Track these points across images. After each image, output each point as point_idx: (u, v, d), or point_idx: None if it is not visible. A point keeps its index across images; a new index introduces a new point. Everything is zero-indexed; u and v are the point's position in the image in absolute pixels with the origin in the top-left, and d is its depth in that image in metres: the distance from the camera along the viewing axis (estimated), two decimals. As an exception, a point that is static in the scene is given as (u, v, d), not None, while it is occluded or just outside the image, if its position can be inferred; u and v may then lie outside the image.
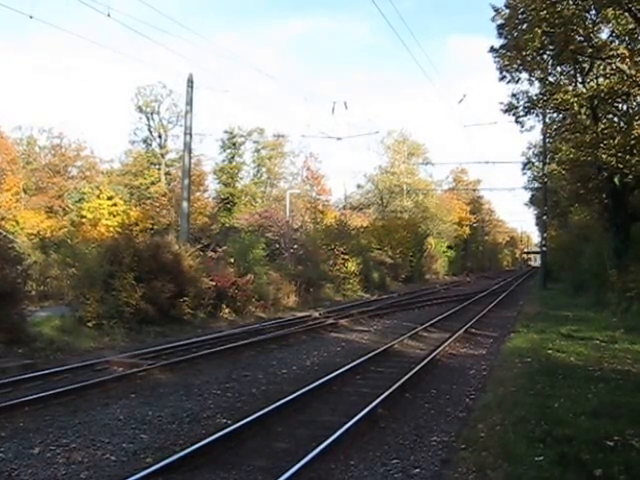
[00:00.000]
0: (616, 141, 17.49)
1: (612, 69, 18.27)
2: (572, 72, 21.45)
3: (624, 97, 19.31)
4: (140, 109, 45.04)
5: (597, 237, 25.46)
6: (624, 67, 16.84)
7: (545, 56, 19.83)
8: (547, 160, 31.43)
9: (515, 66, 20.08)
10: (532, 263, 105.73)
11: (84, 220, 31.89)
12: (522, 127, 22.15)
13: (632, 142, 17.09)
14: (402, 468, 5.63)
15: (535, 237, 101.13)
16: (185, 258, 17.09)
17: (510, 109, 21.29)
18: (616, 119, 21.64)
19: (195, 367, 10.51)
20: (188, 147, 21.15)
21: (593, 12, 18.27)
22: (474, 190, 69.42)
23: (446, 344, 12.97)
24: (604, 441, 5.57)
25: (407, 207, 54.89)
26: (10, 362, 10.11)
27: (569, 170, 23.27)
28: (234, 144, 49.41)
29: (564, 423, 6.22)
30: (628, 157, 17.46)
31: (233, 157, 49.56)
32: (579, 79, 21.29)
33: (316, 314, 19.51)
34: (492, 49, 19.95)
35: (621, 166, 18.08)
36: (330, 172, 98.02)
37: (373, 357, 11.26)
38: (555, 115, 24.36)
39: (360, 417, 6.88)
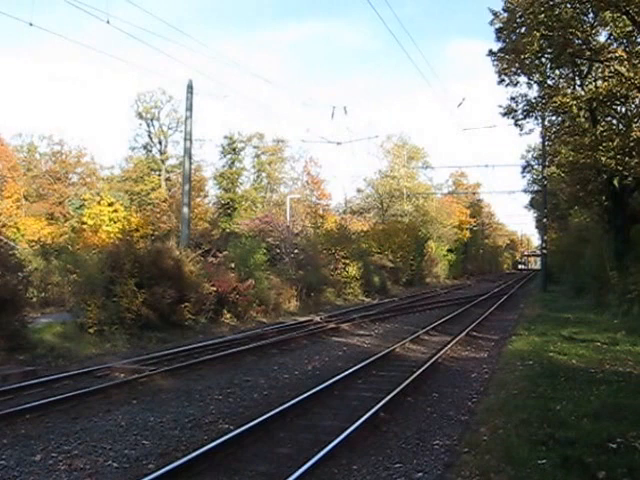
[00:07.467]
0: (615, 143, 17.50)
1: (610, 72, 18.27)
2: (571, 75, 21.53)
3: (622, 99, 19.34)
4: (140, 115, 45.31)
5: (597, 239, 25.45)
6: (622, 69, 16.86)
7: (543, 59, 19.90)
8: (546, 163, 31.36)
9: (514, 69, 20.15)
10: (522, 266, 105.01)
11: (85, 226, 31.87)
12: (521, 130, 22.23)
13: (631, 144, 17.10)
14: (405, 472, 5.62)
15: (535, 240, 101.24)
16: (186, 264, 17.09)
17: (509, 112, 21.36)
18: (615, 121, 21.70)
19: (197, 373, 10.50)
20: (188, 153, 21.17)
21: (591, 15, 18.34)
22: (474, 193, 69.49)
23: (447, 347, 12.96)
24: (607, 443, 5.57)
25: (407, 211, 54.87)
26: (11, 369, 10.09)
27: (568, 173, 23.27)
28: (234, 149, 49.55)
29: (566, 426, 6.22)
30: (627, 159, 17.46)
31: (233, 162, 49.71)
32: (577, 82, 21.37)
33: (317, 318, 19.48)
34: (490, 52, 20.02)
35: (620, 168, 18.09)
36: (330, 177, 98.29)
37: (375, 361, 11.25)
38: (554, 118, 24.36)
39: (362, 421, 6.87)
